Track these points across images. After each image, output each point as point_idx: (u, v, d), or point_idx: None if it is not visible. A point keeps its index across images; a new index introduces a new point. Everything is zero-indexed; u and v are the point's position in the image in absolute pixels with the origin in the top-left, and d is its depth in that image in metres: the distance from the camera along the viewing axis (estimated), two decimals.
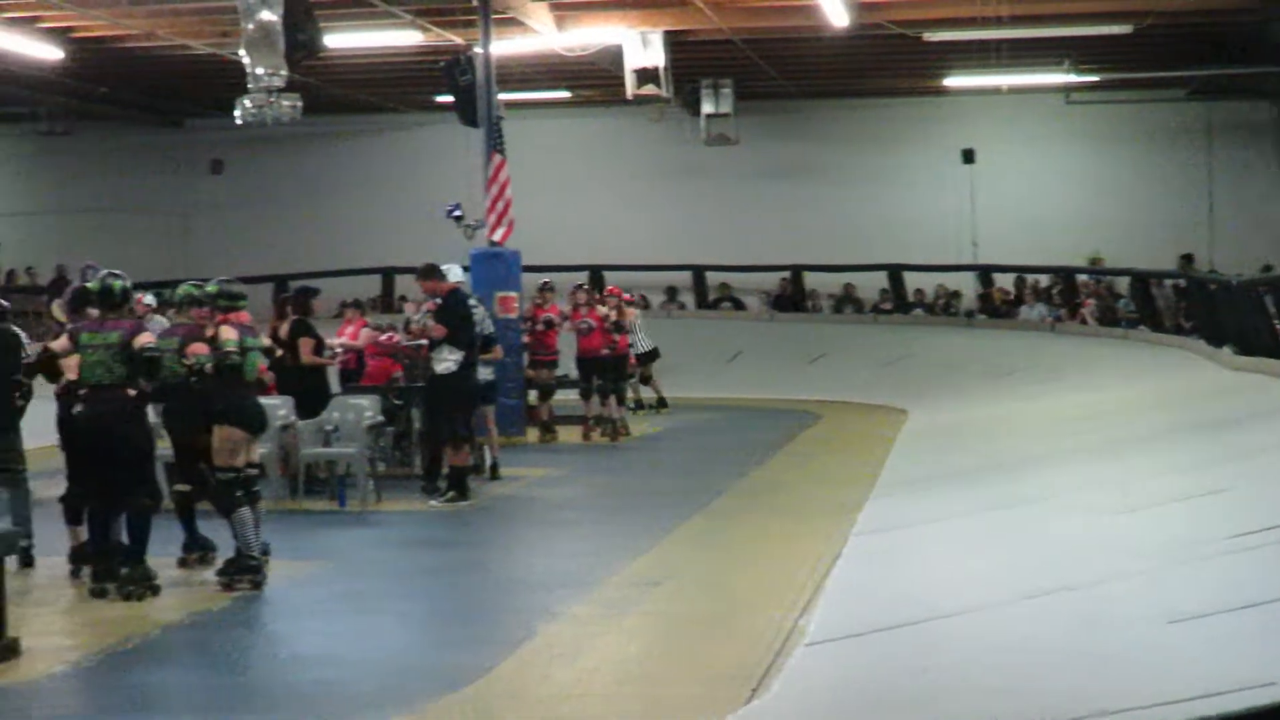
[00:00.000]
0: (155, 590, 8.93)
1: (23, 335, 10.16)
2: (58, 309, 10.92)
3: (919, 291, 25.78)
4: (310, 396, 13.09)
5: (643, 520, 11.63)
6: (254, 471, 9.58)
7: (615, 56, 19.75)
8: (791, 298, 26.26)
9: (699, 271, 26.39)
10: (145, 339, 8.98)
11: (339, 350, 14.52)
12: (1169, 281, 22.47)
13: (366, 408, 13.04)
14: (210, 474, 9.44)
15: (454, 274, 13.28)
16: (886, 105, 25.98)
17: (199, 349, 9.31)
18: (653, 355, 20.29)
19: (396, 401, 14.00)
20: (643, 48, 19.28)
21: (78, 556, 9.57)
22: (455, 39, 19.26)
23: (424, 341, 13.21)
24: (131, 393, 8.98)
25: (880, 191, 26.11)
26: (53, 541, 9.81)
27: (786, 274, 26.22)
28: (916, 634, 7.08)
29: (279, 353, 11.52)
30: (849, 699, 6.41)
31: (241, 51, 14.04)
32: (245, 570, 9.16)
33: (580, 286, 18.08)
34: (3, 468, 9.88)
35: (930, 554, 9.27)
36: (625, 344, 17.80)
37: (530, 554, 11.07)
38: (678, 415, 19.76)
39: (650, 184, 26.71)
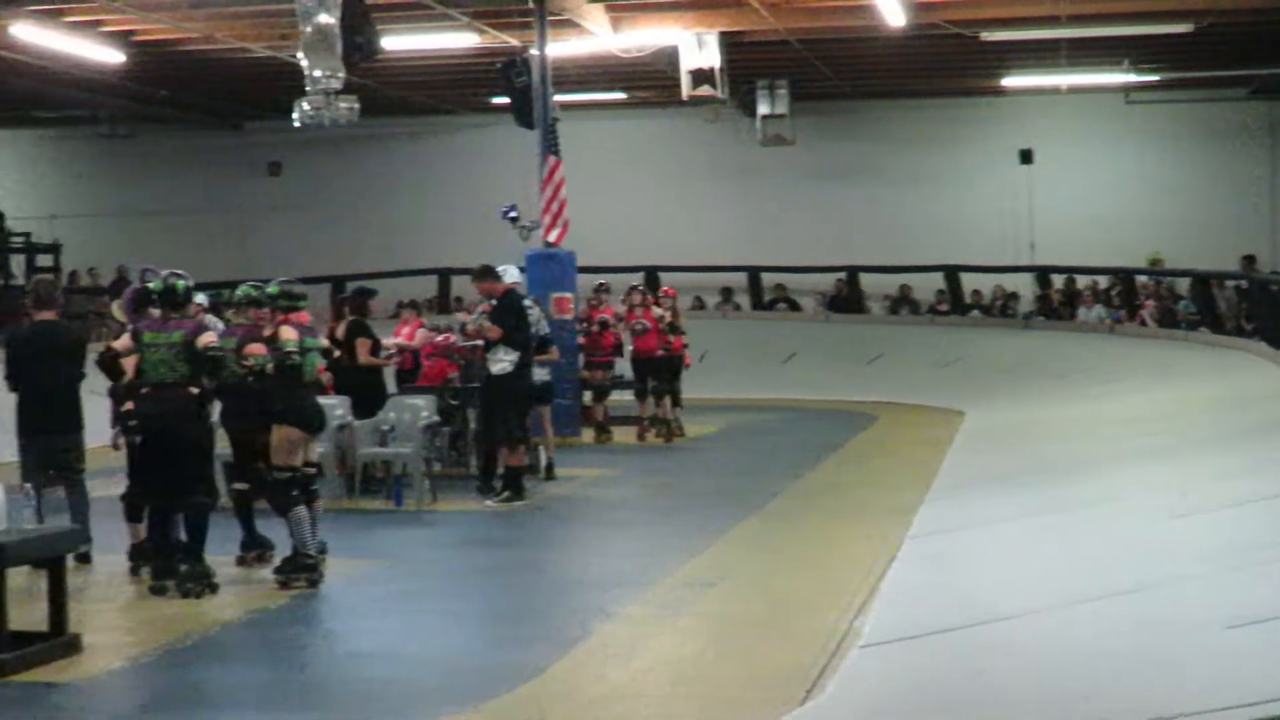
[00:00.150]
0: (214, 588, 9.03)
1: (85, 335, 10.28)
2: (117, 309, 11.07)
3: (976, 293, 25.62)
4: (367, 396, 13.18)
5: (697, 521, 11.63)
6: (311, 471, 9.66)
7: (671, 57, 19.75)
8: (847, 299, 26.18)
9: (754, 273, 26.36)
10: (208, 338, 9.08)
11: (395, 350, 14.61)
12: (1230, 283, 22.25)
13: (423, 408, 13.12)
14: (268, 473, 9.52)
15: (511, 275, 13.34)
16: (943, 105, 25.86)
17: (257, 349, 9.39)
18: None
19: (452, 401, 14.07)
20: (698, 49, 19.27)
21: (137, 554, 9.68)
22: (511, 41, 19.32)
23: (479, 342, 13.26)
24: (194, 391, 9.07)
25: (937, 192, 25.98)
26: (111, 539, 9.94)
27: (842, 275, 26.14)
28: (972, 637, 7.05)
29: (337, 354, 11.61)
30: (904, 701, 6.38)
31: (300, 54, 14.14)
32: (302, 569, 9.23)
33: (635, 287, 18.11)
34: (66, 467, 10.01)
35: (986, 557, 9.21)
36: (680, 345, 17.80)
37: (585, 554, 11.09)
38: (732, 416, 19.73)
39: (706, 185, 26.69)
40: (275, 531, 9.78)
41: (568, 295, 17.18)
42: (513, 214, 17.61)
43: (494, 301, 12.89)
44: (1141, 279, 24.18)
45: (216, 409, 9.82)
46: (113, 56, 19.71)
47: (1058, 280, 24.95)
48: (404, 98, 25.07)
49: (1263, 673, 5.67)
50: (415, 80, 23.80)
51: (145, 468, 9.31)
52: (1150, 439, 13.14)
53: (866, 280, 26.05)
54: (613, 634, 7.89)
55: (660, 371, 17.42)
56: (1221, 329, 20.28)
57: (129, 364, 9.22)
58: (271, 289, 9.85)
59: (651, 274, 23.88)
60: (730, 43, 19.59)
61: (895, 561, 9.22)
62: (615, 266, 22.39)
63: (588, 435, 17.44)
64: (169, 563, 9.09)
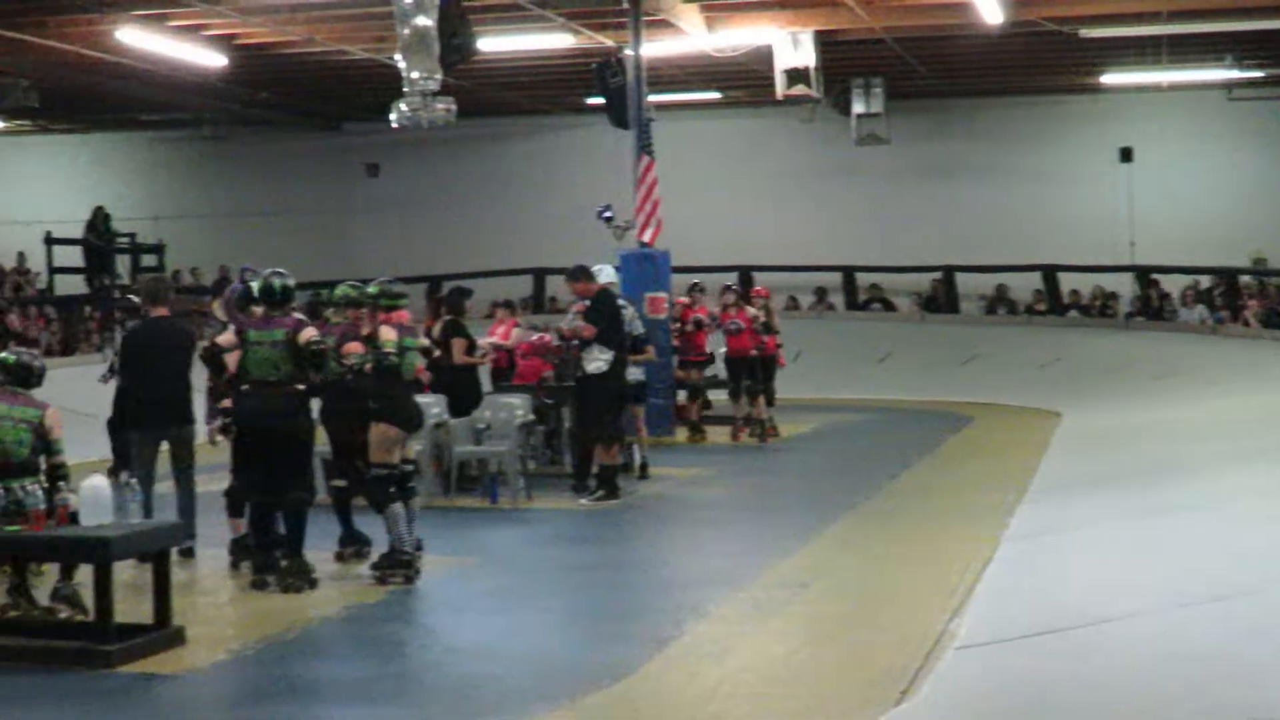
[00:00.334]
0: (313, 583, 9.14)
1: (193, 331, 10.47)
2: (218, 308, 11.26)
3: (1074, 292, 25.34)
4: (462, 395, 13.29)
5: (791, 521, 11.61)
6: (408, 468, 9.75)
7: (765, 57, 19.72)
8: (943, 299, 25.98)
9: (849, 272, 26.25)
10: (310, 333, 9.20)
11: (489, 350, 14.71)
12: None
13: (518, 406, 13.20)
14: (366, 470, 9.63)
15: (606, 274, 13.39)
16: (1041, 103, 25.59)
17: (355, 348, 9.50)
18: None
19: (547, 400, 14.15)
20: (793, 48, 19.21)
21: (237, 548, 9.84)
22: (606, 41, 19.40)
23: (575, 342, 13.32)
24: (296, 389, 9.20)
25: (1034, 191, 25.70)
26: (212, 534, 10.11)
27: (938, 274, 25.97)
28: (1070, 640, 6.98)
29: (437, 353, 11.72)
30: (1000, 704, 6.33)
31: (397, 56, 14.28)
32: (398, 565, 9.33)
33: (729, 287, 18.09)
34: (177, 460, 10.20)
35: (1085, 559, 9.11)
36: (774, 344, 17.75)
37: (678, 553, 11.10)
38: (826, 417, 19.65)
39: (800, 184, 26.62)
40: (373, 528, 9.90)
41: (662, 295, 17.22)
42: (608, 214, 17.68)
43: (588, 301, 12.96)
44: (1245, 279, 23.78)
45: (316, 406, 9.94)
46: (215, 60, 20.04)
47: (1163, 281, 24.56)
48: (500, 98, 25.25)
49: None
50: (511, 81, 23.96)
51: (247, 464, 9.46)
52: (1253, 442, 12.91)
53: (962, 280, 25.86)
54: (706, 633, 7.89)
55: (754, 371, 17.39)
56: None
57: (231, 360, 9.35)
58: (372, 289, 9.96)
59: (745, 274, 23.86)
60: (825, 42, 19.51)
61: (992, 563, 9.15)
62: (709, 266, 22.40)
63: (682, 435, 17.45)
64: (270, 558, 9.23)
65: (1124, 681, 6.21)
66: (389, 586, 9.23)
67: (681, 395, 17.76)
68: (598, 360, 12.70)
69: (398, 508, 9.38)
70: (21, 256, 25.01)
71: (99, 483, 7.82)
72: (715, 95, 25.31)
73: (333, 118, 28.31)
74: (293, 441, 9.21)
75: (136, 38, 18.49)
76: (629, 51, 17.85)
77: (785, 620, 8.29)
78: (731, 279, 21.00)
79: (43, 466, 8.11)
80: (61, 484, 8.00)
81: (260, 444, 9.20)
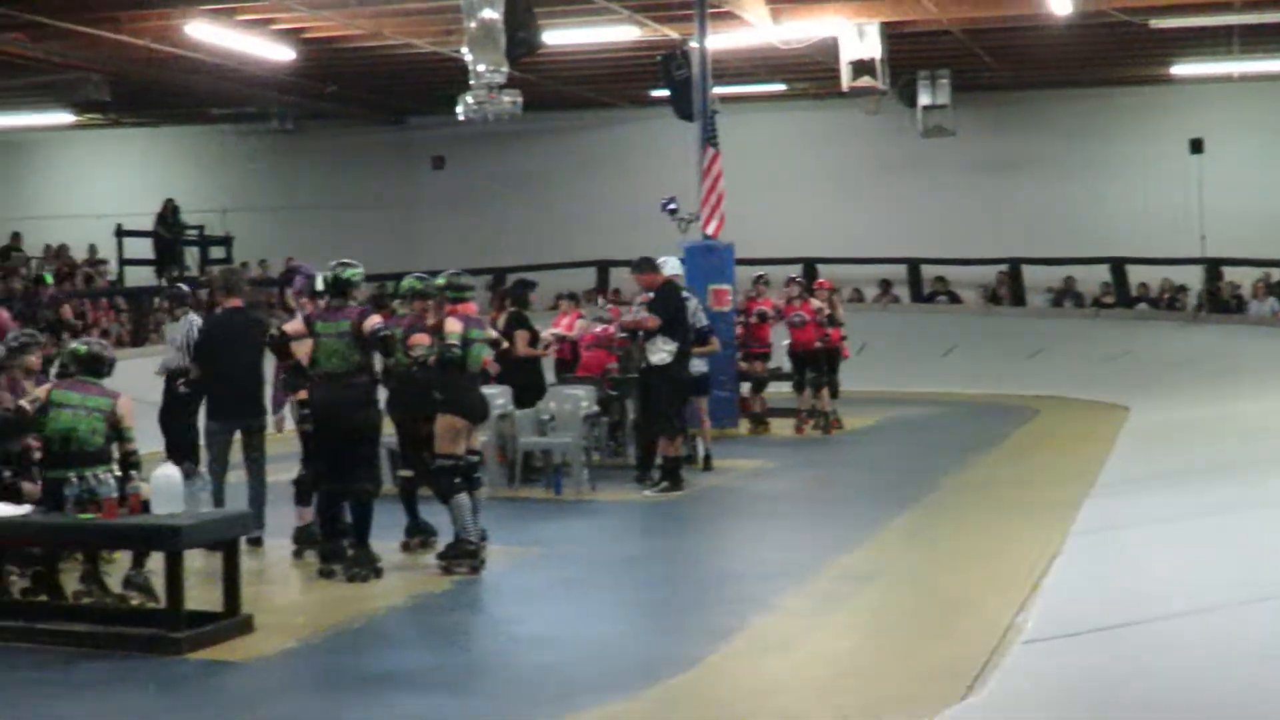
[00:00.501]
0: (379, 573, 9.22)
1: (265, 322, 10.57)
2: (290, 298, 11.37)
3: (1143, 285, 25.10)
4: (526, 387, 13.34)
5: (855, 514, 11.58)
6: (474, 459, 9.79)
7: (831, 49, 19.65)
8: (1009, 291, 25.79)
9: (914, 265, 26.12)
10: (374, 320, 9.25)
11: (553, 341, 14.76)
12: None
13: (582, 398, 13.24)
14: (431, 461, 9.69)
15: (671, 266, 13.40)
16: (1110, 94, 25.34)
17: (421, 339, 9.56)
18: None
19: (611, 392, 14.19)
20: (859, 39, 19.14)
21: (301, 537, 9.94)
22: (671, 33, 19.40)
23: (639, 333, 13.33)
24: (364, 380, 9.27)
25: (1103, 183, 25.46)
26: (280, 524, 10.22)
27: (1004, 267, 25.77)
28: (1138, 635, 6.92)
29: (504, 345, 11.78)
30: (1067, 699, 6.28)
31: (464, 49, 14.34)
32: (463, 555, 9.39)
33: (793, 279, 18.03)
34: (249, 449, 10.33)
35: (1153, 555, 9.02)
36: (838, 337, 17.70)
37: (741, 545, 11.09)
38: (891, 409, 19.56)
39: (865, 177, 26.51)
40: (438, 518, 9.97)
41: (726, 287, 17.20)
42: (672, 206, 17.68)
43: (652, 293, 12.98)
44: None
45: (383, 397, 10.01)
46: (283, 54, 20.21)
47: (1234, 274, 24.27)
48: (565, 91, 25.30)
49: None
50: (576, 74, 24.00)
51: (315, 454, 9.55)
52: None
53: (1028, 272, 25.66)
54: (770, 626, 7.89)
55: (818, 364, 17.34)
56: None
57: (300, 350, 9.43)
58: (440, 280, 10.02)
59: (810, 266, 23.79)
60: (891, 33, 19.42)
61: (1059, 557, 9.07)
62: (774, 258, 22.34)
63: (745, 427, 17.45)
64: (338, 547, 9.31)
65: (1191, 678, 6.16)
66: (454, 576, 9.29)
67: (745, 387, 17.74)
68: (661, 352, 12.72)
69: (463, 498, 9.44)
70: (93, 249, 25.37)
71: (170, 471, 7.92)
72: (780, 87, 25.25)
73: (399, 111, 28.47)
74: (361, 433, 9.28)
75: (206, 32, 18.70)
76: (694, 44, 17.84)
77: (849, 614, 8.26)
78: (796, 271, 20.93)
79: (115, 455, 8.23)
80: (134, 472, 8.12)
81: (329, 435, 9.27)
